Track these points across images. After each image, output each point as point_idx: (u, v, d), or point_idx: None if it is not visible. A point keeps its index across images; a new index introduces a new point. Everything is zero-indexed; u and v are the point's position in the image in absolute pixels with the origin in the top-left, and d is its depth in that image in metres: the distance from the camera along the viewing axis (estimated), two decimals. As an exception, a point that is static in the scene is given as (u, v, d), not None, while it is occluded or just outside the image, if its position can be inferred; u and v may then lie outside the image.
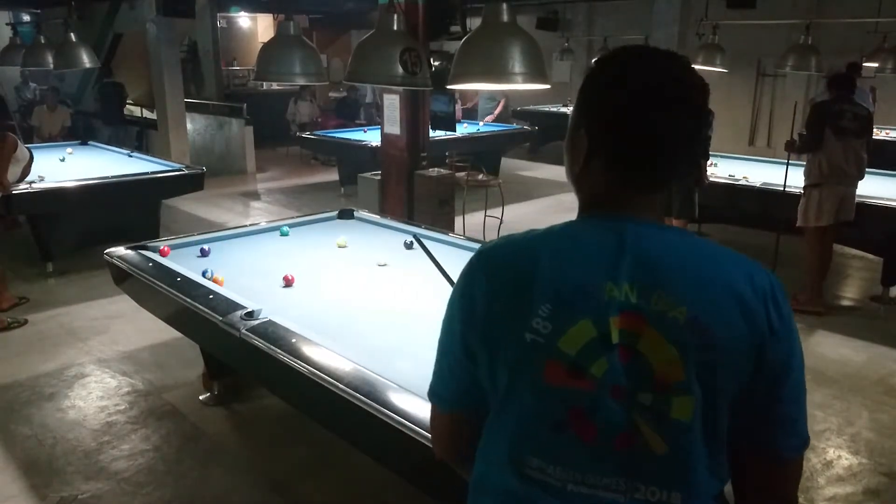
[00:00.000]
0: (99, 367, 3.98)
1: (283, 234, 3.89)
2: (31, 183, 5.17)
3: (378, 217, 4.32)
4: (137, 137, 10.08)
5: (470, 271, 1.06)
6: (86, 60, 6.04)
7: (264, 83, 9.63)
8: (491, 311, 1.00)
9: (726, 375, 0.93)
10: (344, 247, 3.67)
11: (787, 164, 5.06)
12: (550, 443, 0.96)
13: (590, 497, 0.94)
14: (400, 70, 2.86)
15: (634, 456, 0.93)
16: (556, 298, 0.95)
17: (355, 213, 4.33)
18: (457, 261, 3.42)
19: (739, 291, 0.93)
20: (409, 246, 3.50)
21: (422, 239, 2.56)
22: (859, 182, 4.72)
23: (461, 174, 6.42)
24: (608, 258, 0.95)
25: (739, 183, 5.62)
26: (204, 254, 3.47)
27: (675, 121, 0.98)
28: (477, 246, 3.52)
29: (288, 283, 3.03)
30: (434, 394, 1.14)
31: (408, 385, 1.97)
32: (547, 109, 11.69)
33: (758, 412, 0.97)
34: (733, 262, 0.98)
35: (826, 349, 4.32)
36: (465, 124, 9.81)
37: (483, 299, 1.01)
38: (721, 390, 0.93)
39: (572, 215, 1.07)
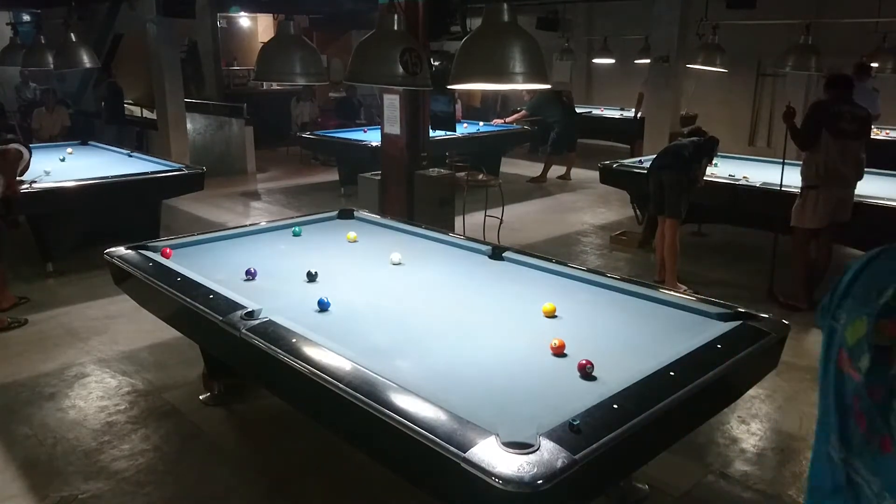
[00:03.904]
0: (99, 367, 3.98)
1: (296, 234, 3.90)
2: (32, 182, 5.17)
3: (378, 217, 4.33)
4: (137, 137, 10.08)
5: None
6: (86, 60, 6.05)
7: (264, 83, 9.64)
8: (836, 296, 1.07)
9: None
10: (355, 241, 3.74)
11: (783, 164, 5.06)
12: (840, 424, 1.00)
13: (858, 487, 0.96)
14: (400, 70, 2.86)
15: (890, 460, 0.91)
16: (852, 294, 1.01)
17: (355, 213, 4.33)
18: (457, 260, 3.47)
19: None
20: (312, 277, 3.14)
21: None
22: (858, 183, 4.71)
23: (461, 174, 6.43)
24: None
25: (739, 183, 5.62)
26: (251, 275, 3.16)
27: None
28: (477, 246, 3.57)
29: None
30: None
31: (408, 385, 1.97)
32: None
33: None
34: None
35: (826, 349, 4.31)
36: (465, 124, 9.81)
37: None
38: None
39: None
